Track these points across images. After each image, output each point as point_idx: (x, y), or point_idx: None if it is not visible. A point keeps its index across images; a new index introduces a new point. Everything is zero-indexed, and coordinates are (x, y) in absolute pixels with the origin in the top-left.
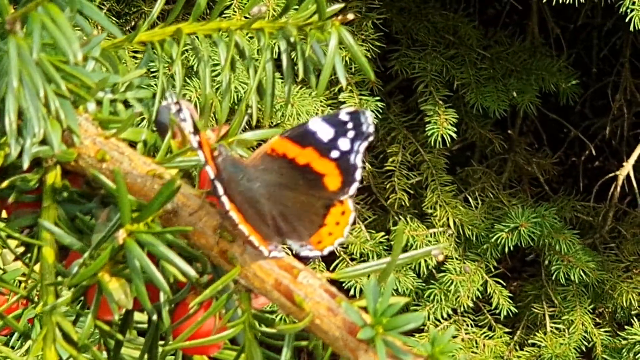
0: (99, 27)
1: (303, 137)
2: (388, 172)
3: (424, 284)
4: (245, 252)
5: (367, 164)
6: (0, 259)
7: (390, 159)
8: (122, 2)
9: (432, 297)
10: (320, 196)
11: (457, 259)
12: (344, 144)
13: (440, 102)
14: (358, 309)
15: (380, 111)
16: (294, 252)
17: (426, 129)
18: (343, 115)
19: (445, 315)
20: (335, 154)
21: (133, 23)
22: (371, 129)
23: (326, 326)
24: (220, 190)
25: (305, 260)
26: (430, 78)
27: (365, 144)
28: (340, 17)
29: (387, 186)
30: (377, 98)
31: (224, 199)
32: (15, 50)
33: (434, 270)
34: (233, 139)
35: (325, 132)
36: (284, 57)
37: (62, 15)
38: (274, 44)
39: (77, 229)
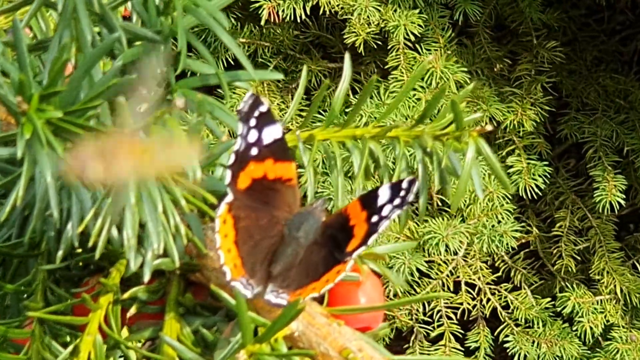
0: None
1: (368, 200)
2: (555, 237)
3: (589, 352)
4: None
5: (534, 228)
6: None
7: (558, 224)
8: (288, 60)
9: None
10: (338, 255)
11: (623, 327)
12: (386, 210)
13: (610, 167)
14: None
15: (548, 175)
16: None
17: (594, 195)
18: (404, 183)
19: None
20: (374, 218)
21: (299, 81)
22: (410, 198)
23: None
24: (219, 211)
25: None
26: (600, 143)
27: (398, 211)
28: (478, 128)
29: (554, 251)
30: (545, 162)
31: (217, 220)
32: None
33: (599, 338)
34: (364, 252)
35: (383, 197)
36: (419, 167)
37: (180, 130)
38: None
39: (201, 341)
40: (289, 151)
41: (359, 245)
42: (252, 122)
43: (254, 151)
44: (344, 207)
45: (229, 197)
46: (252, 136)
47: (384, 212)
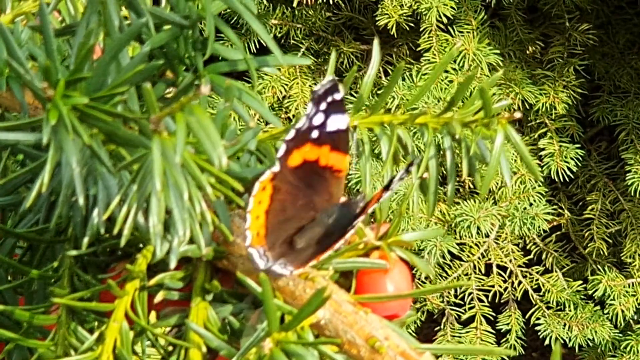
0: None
1: (388, 183)
2: (587, 220)
3: (620, 335)
4: None
5: (565, 211)
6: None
7: (590, 207)
8: (321, 41)
9: (629, 348)
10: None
11: None
12: (393, 184)
13: None
14: None
15: (580, 158)
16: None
17: (626, 178)
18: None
19: None
20: (384, 194)
21: None
22: (411, 168)
23: None
24: (263, 177)
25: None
26: (632, 126)
27: (400, 182)
28: (507, 115)
29: (586, 234)
30: (577, 145)
31: (257, 184)
32: (159, 150)
33: (631, 321)
34: (392, 239)
35: (397, 176)
36: (448, 154)
37: (207, 116)
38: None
39: (228, 329)
40: (348, 145)
41: (360, 215)
42: (323, 106)
43: (315, 134)
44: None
45: (276, 168)
46: (318, 119)
47: (391, 186)
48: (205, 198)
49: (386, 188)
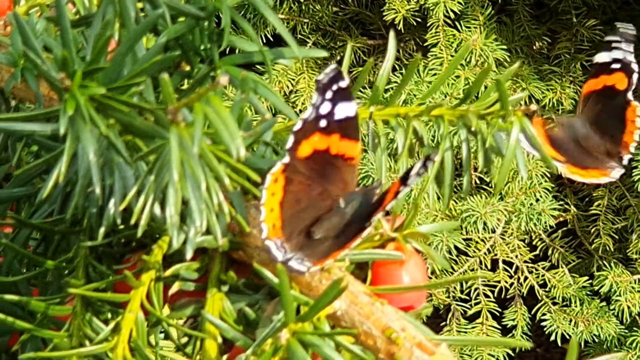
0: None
1: (405, 175)
2: (593, 215)
3: (626, 331)
4: (413, 356)
5: (572, 206)
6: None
7: (596, 203)
8: (327, 36)
9: (634, 344)
10: (365, 224)
11: None
12: (410, 179)
13: None
14: None
15: None
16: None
17: (633, 174)
18: (432, 154)
19: None
20: (401, 188)
21: (338, 57)
22: (429, 164)
23: None
24: (274, 168)
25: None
26: None
27: (418, 179)
28: (523, 108)
29: (592, 230)
30: None
31: (268, 176)
32: (176, 141)
33: (637, 317)
34: (408, 231)
35: (414, 170)
36: (463, 146)
37: (224, 107)
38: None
39: (243, 319)
40: (359, 131)
41: (377, 211)
42: (328, 94)
43: (323, 123)
44: (389, 185)
45: (286, 159)
46: (325, 108)
47: (409, 181)
48: (222, 189)
49: (403, 182)
